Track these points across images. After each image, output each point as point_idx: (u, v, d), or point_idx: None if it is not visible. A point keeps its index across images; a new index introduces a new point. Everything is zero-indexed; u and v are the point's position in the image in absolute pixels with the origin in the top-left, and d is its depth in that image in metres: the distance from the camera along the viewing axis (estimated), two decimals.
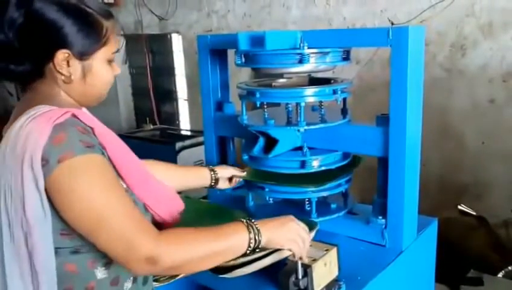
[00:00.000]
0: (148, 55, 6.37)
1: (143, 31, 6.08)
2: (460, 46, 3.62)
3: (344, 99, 1.93)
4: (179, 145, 4.63)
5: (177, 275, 1.55)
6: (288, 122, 1.95)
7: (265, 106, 1.91)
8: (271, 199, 2.10)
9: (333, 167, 1.91)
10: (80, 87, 1.25)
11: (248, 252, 1.31)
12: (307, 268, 1.44)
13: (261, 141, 1.91)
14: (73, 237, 1.15)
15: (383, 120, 1.76)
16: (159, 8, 5.77)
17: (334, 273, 1.55)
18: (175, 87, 6.42)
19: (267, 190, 1.97)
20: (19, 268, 1.13)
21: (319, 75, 2.00)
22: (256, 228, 1.32)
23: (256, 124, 1.91)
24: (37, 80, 1.22)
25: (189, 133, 5.26)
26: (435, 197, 3.65)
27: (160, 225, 1.32)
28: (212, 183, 1.85)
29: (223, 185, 1.90)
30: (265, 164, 1.93)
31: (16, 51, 1.16)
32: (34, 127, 1.09)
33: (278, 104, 2.11)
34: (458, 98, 3.68)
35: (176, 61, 6.26)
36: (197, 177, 1.85)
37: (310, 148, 1.91)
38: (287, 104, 2.00)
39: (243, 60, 1.89)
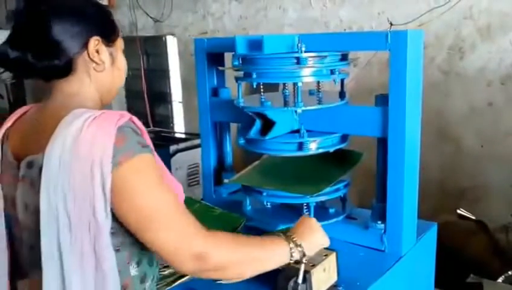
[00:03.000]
0: (143, 57, 6.35)
1: (137, 33, 6.06)
2: (458, 49, 3.61)
3: (342, 81, 1.92)
4: (173, 148, 4.60)
5: (175, 281, 1.54)
6: (285, 104, 1.94)
7: (261, 89, 1.90)
8: (269, 204, 2.08)
9: (331, 149, 1.90)
10: (109, 76, 1.31)
11: (288, 261, 1.37)
12: (306, 273, 1.43)
13: (258, 123, 1.88)
14: (118, 235, 1.18)
15: (382, 100, 1.75)
16: (154, 10, 5.75)
17: (333, 278, 1.55)
18: (169, 90, 6.39)
19: (264, 194, 1.96)
20: (80, 269, 1.13)
21: None
22: (295, 241, 1.38)
23: (252, 106, 1.89)
24: (69, 76, 1.25)
25: (183, 136, 5.22)
26: (434, 201, 3.64)
27: None
28: None
29: None
30: (261, 146, 1.92)
31: (51, 46, 1.20)
32: (98, 129, 1.11)
33: (275, 90, 2.09)
34: (456, 101, 3.67)
35: (171, 63, 6.24)
36: None
37: (307, 130, 1.90)
38: (284, 87, 2.01)
39: (240, 63, 1.89)
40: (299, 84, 1.78)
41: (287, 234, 1.40)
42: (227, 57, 2.06)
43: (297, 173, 2.01)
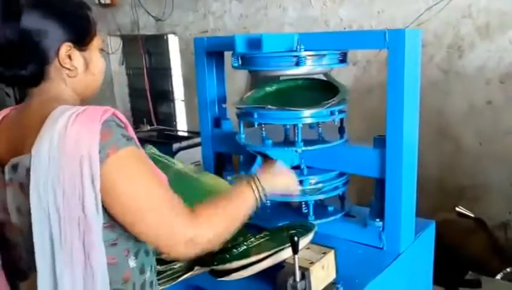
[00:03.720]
0: (145, 56, 6.36)
1: (139, 32, 6.07)
2: (457, 48, 3.62)
3: (341, 119, 1.94)
4: (175, 146, 4.62)
5: (177, 278, 1.55)
6: (286, 142, 1.97)
7: (263, 126, 1.92)
8: (268, 202, 2.09)
9: (329, 185, 1.95)
10: (83, 79, 1.28)
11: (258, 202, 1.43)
12: (304, 271, 1.44)
13: (259, 161, 1.91)
14: (114, 229, 1.19)
15: (380, 142, 1.78)
16: (156, 9, 5.76)
17: (332, 276, 1.56)
18: (172, 88, 6.41)
19: None
20: (70, 265, 1.13)
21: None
22: (260, 185, 1.45)
23: (253, 144, 1.92)
24: (42, 82, 1.24)
25: (186, 134, 5.24)
26: (433, 199, 3.65)
27: None
28: None
29: None
30: None
31: (21, 54, 1.18)
32: (82, 124, 1.10)
33: (273, 78, 2.10)
34: (455, 100, 3.68)
35: (173, 62, 6.25)
36: None
37: (307, 167, 1.95)
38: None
39: (240, 62, 1.90)
40: (300, 125, 1.81)
41: (254, 180, 1.45)
42: (227, 56, 2.08)
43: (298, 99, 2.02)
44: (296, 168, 1.97)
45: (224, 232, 1.29)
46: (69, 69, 1.23)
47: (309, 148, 1.85)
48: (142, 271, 1.28)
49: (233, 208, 1.35)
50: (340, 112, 1.86)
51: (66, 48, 1.21)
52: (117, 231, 1.19)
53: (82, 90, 1.30)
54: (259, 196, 1.43)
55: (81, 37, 1.25)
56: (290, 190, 1.60)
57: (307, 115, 1.80)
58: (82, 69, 1.27)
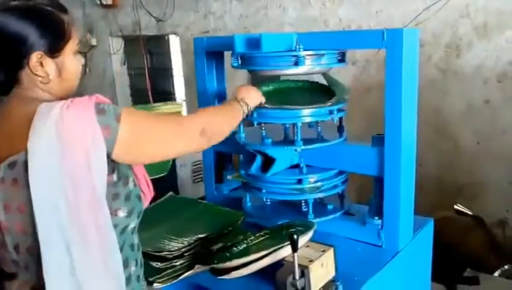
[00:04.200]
0: (146, 56, 6.37)
1: (141, 33, 6.08)
2: (455, 47, 3.63)
3: (340, 118, 1.95)
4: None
5: (179, 276, 1.57)
6: (285, 141, 1.98)
7: (262, 125, 1.93)
8: (268, 200, 2.11)
9: (329, 184, 1.96)
10: (57, 85, 1.27)
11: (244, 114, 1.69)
12: (304, 269, 1.45)
13: (259, 160, 1.93)
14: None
15: (379, 140, 1.79)
16: (157, 10, 5.77)
17: (331, 273, 1.57)
18: (173, 88, 6.42)
19: (264, 191, 1.98)
20: (86, 248, 1.16)
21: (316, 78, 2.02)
22: (245, 102, 1.70)
23: (253, 143, 1.93)
24: (15, 87, 1.24)
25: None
26: (432, 197, 3.66)
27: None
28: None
29: None
30: (262, 180, 1.97)
31: None
32: (78, 113, 1.15)
33: (273, 77, 2.11)
34: (453, 99, 3.69)
35: (174, 62, 6.26)
36: None
37: (307, 165, 1.97)
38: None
39: (239, 62, 1.91)
40: (299, 124, 1.83)
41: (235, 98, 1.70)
42: (227, 56, 2.09)
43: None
44: (296, 166, 1.98)
45: (223, 127, 1.55)
46: (40, 76, 1.23)
47: (308, 147, 1.86)
48: (125, 265, 1.28)
49: (225, 111, 1.64)
50: (339, 110, 1.88)
51: (36, 56, 1.21)
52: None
53: (59, 92, 1.29)
54: (246, 109, 1.68)
55: (52, 46, 1.24)
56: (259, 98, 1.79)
57: (306, 114, 1.81)
58: (54, 75, 1.26)
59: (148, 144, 1.28)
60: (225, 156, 2.33)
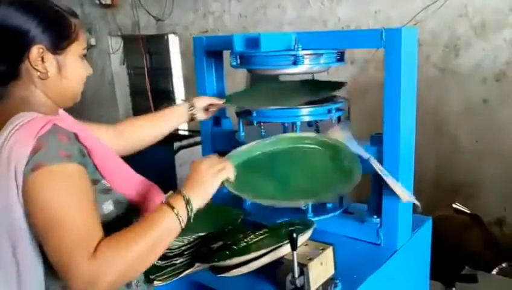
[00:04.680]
0: (146, 55, 6.38)
1: (140, 32, 6.09)
2: (453, 46, 3.64)
3: (339, 117, 1.95)
4: (176, 145, 4.64)
5: (179, 274, 1.57)
6: None
7: (262, 124, 1.93)
8: None
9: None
10: (56, 84, 1.26)
11: (183, 225, 1.28)
12: (303, 267, 1.46)
13: None
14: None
15: (377, 140, 1.79)
16: (156, 9, 5.78)
17: (330, 272, 1.57)
18: (172, 88, 6.43)
19: None
20: (5, 277, 1.15)
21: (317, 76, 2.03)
22: (186, 198, 1.30)
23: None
24: (12, 82, 1.23)
25: (186, 132, 5.26)
26: (430, 195, 3.67)
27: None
28: (189, 117, 1.90)
29: (200, 116, 1.93)
30: None
31: None
32: (17, 139, 1.10)
33: (272, 78, 2.12)
34: (452, 98, 3.70)
35: (173, 61, 6.27)
36: (175, 118, 1.89)
37: None
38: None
39: (238, 61, 1.92)
40: (298, 123, 1.83)
41: (178, 192, 1.32)
42: (226, 55, 2.10)
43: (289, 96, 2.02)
44: None
45: (135, 266, 1.17)
46: (40, 71, 1.22)
47: None
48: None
49: (147, 235, 1.19)
50: (338, 110, 1.88)
51: (38, 50, 1.20)
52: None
53: (55, 95, 1.28)
54: (185, 216, 1.28)
55: (56, 41, 1.23)
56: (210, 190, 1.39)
57: (305, 113, 1.82)
58: (54, 72, 1.24)
59: (32, 216, 1.12)
60: (224, 155, 2.33)
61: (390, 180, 1.73)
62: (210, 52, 2.20)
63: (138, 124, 1.77)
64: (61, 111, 1.38)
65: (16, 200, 1.10)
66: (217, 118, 2.26)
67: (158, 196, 1.43)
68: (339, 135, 1.84)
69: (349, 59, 3.97)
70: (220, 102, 1.93)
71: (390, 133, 1.74)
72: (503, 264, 2.90)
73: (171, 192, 1.59)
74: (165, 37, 6.17)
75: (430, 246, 2.10)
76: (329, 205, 2.02)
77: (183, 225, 1.27)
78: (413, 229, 1.93)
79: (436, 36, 3.69)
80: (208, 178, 1.38)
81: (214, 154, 1.51)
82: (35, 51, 1.20)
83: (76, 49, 1.28)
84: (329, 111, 1.85)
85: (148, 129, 1.77)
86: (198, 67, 2.23)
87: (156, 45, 6.37)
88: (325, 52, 1.84)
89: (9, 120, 1.15)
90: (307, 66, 1.83)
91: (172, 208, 1.25)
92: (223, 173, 1.42)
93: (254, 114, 1.85)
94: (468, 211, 3.29)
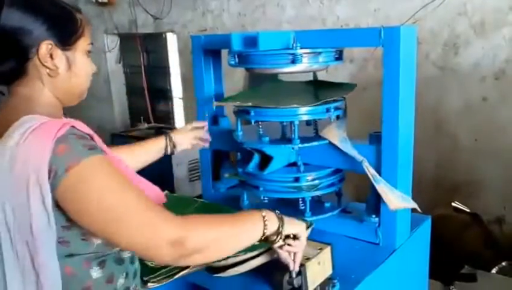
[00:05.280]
0: (143, 54, 6.38)
1: (137, 30, 6.08)
2: (453, 45, 3.64)
3: (337, 116, 1.94)
4: (169, 153, 4.64)
5: (174, 276, 1.56)
6: (283, 139, 1.97)
7: (260, 123, 1.93)
8: (266, 198, 2.11)
9: (326, 182, 1.95)
10: (65, 81, 1.24)
11: (265, 233, 1.32)
12: (300, 267, 1.45)
13: (256, 158, 1.93)
14: (69, 244, 1.16)
15: (376, 138, 1.79)
16: (154, 7, 5.77)
17: (328, 271, 1.57)
18: (170, 86, 6.43)
19: (261, 189, 1.98)
20: (23, 285, 1.13)
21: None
22: (277, 214, 1.36)
23: (250, 141, 1.93)
24: (17, 81, 1.21)
25: (185, 147, 5.25)
26: (429, 194, 3.67)
27: None
28: (170, 152, 1.91)
29: (183, 147, 1.96)
30: (259, 178, 1.97)
31: (0, 50, 1.16)
32: (33, 144, 1.07)
33: (270, 77, 2.11)
34: (451, 97, 3.70)
35: (171, 60, 6.27)
36: (155, 151, 1.88)
37: (304, 164, 1.96)
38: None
39: (237, 60, 1.91)
40: (296, 122, 1.82)
41: (276, 211, 1.38)
42: (224, 54, 2.09)
43: (290, 95, 2.03)
44: (293, 164, 1.98)
45: (218, 244, 1.21)
46: (49, 68, 1.20)
47: (305, 145, 1.86)
48: (109, 280, 1.24)
49: (231, 223, 1.26)
50: (336, 108, 1.88)
51: (46, 46, 1.18)
52: (72, 245, 1.16)
53: (64, 93, 1.26)
54: (268, 221, 1.32)
55: (64, 36, 1.21)
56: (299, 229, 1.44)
57: (303, 112, 1.81)
58: (64, 69, 1.22)
59: (88, 215, 1.10)
60: (222, 154, 2.33)
61: (381, 186, 1.73)
62: (208, 50, 2.19)
63: (121, 150, 1.75)
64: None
65: (39, 208, 1.07)
66: (215, 117, 2.25)
67: (160, 200, 1.42)
68: (334, 133, 1.83)
69: (348, 58, 3.96)
70: (202, 124, 1.98)
71: (389, 132, 1.73)
72: (503, 263, 2.90)
73: (166, 192, 1.57)
74: (163, 35, 6.17)
75: (429, 245, 2.09)
76: (327, 204, 2.01)
77: (266, 232, 1.31)
78: (412, 228, 1.92)
79: (435, 35, 3.69)
80: (301, 224, 1.45)
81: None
82: (44, 47, 1.17)
83: (83, 45, 1.26)
84: (327, 110, 1.84)
85: (131, 161, 1.72)
86: (196, 66, 2.22)
87: (153, 44, 6.36)
88: (324, 50, 1.83)
89: (16, 122, 1.11)
90: (305, 65, 1.82)
91: (263, 215, 1.32)
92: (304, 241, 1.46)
93: (252, 113, 1.84)
94: (467, 210, 3.29)
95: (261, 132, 1.92)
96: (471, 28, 3.53)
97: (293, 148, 1.88)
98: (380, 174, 1.78)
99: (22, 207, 1.07)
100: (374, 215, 1.85)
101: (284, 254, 1.44)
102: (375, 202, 1.84)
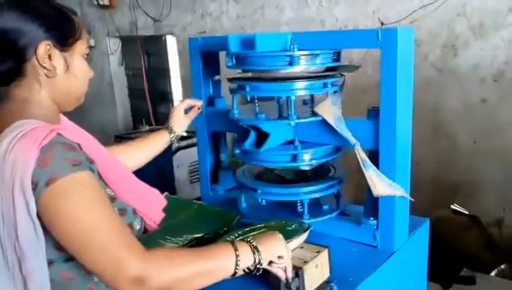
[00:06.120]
0: (144, 56, 6.38)
1: (138, 33, 6.08)
2: (451, 46, 3.63)
3: (334, 93, 1.92)
4: (174, 146, 4.63)
5: None
6: (279, 116, 1.95)
7: (256, 100, 1.91)
8: (263, 201, 2.10)
9: (323, 160, 1.93)
10: (63, 82, 1.24)
11: (237, 271, 1.29)
12: (298, 270, 1.44)
13: (252, 135, 1.91)
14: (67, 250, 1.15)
15: (374, 113, 1.77)
16: (154, 10, 5.78)
17: (326, 274, 1.56)
18: (170, 88, 6.43)
19: (259, 191, 1.97)
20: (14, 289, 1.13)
21: None
22: (252, 245, 1.33)
23: (247, 118, 1.91)
24: (15, 82, 1.21)
25: (185, 133, 5.25)
26: (428, 196, 3.66)
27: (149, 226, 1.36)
28: (174, 142, 1.94)
29: (181, 131, 1.98)
30: (256, 158, 1.94)
31: None
32: (20, 150, 1.06)
33: (270, 99, 2.10)
34: (450, 98, 3.70)
35: (171, 62, 6.27)
36: (159, 146, 1.89)
37: (301, 141, 1.92)
38: (279, 98, 2.01)
39: (234, 62, 1.90)
40: (292, 97, 1.80)
41: (244, 238, 1.37)
42: (222, 56, 2.08)
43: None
44: (290, 143, 1.97)
45: (185, 282, 1.18)
46: (47, 68, 1.20)
47: (302, 120, 1.83)
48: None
49: (201, 260, 1.22)
50: (333, 84, 1.86)
51: (45, 46, 1.18)
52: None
53: (61, 96, 1.26)
54: (247, 261, 1.30)
55: (62, 37, 1.21)
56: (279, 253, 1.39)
57: (300, 86, 1.79)
58: (62, 70, 1.23)
59: (59, 231, 1.09)
60: (219, 136, 2.31)
61: (369, 173, 1.72)
62: (206, 53, 2.18)
63: (126, 148, 1.76)
64: (64, 119, 1.36)
65: (23, 215, 1.06)
66: (211, 98, 2.24)
67: (160, 203, 1.42)
68: (329, 110, 1.80)
69: (346, 59, 3.93)
70: (198, 103, 1.99)
71: (386, 134, 1.72)
72: (502, 266, 2.90)
73: (166, 193, 1.56)
74: (163, 38, 6.18)
75: (428, 247, 2.08)
76: (325, 207, 2.00)
77: (238, 269, 1.28)
78: (411, 230, 1.91)
79: (434, 36, 3.69)
80: (280, 242, 1.40)
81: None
82: (42, 48, 1.17)
83: (80, 47, 1.27)
84: (325, 85, 1.82)
85: (133, 158, 1.74)
86: (193, 68, 2.21)
87: (153, 46, 6.37)
88: (321, 52, 1.82)
89: (8, 127, 1.11)
90: (303, 67, 1.81)
91: (236, 249, 1.28)
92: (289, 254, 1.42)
93: (247, 88, 1.83)
94: (466, 212, 3.29)
95: (257, 110, 1.90)
96: (470, 29, 3.53)
97: (289, 124, 1.85)
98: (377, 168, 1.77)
99: (8, 213, 1.07)
100: (372, 218, 1.84)
101: (273, 270, 1.42)
102: (373, 204, 1.83)
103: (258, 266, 1.34)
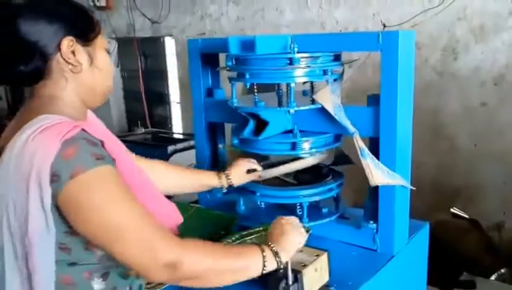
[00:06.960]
0: (140, 58, 6.36)
1: (135, 34, 6.07)
2: (452, 50, 3.63)
3: (334, 81, 1.91)
4: (171, 148, 4.62)
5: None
6: (279, 105, 1.94)
7: (255, 90, 1.90)
8: (262, 204, 2.09)
9: (323, 149, 1.92)
10: (89, 77, 1.25)
11: (264, 272, 1.32)
12: (297, 274, 1.43)
13: (251, 124, 1.89)
14: (71, 251, 1.15)
15: (374, 100, 1.76)
16: (152, 12, 5.77)
17: (325, 278, 1.55)
18: (167, 91, 6.41)
19: (258, 194, 1.96)
20: (21, 285, 1.12)
21: None
22: (273, 250, 1.34)
23: (246, 106, 1.90)
24: (41, 82, 1.21)
25: (181, 136, 5.25)
26: (428, 200, 3.65)
27: None
28: (223, 187, 1.88)
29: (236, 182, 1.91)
30: (255, 146, 1.93)
31: (21, 52, 1.16)
32: (41, 142, 1.06)
33: (269, 90, 2.09)
34: (450, 101, 3.69)
35: (169, 64, 6.26)
36: (206, 182, 1.86)
37: (301, 131, 1.91)
38: (278, 88, 2.00)
39: (234, 64, 1.89)
40: (292, 84, 1.78)
41: (265, 243, 1.37)
42: (222, 57, 2.07)
43: None
44: (289, 132, 1.95)
45: (215, 274, 1.21)
46: (72, 64, 1.20)
47: (302, 108, 1.81)
48: None
49: (231, 257, 1.26)
50: (333, 72, 1.85)
51: (68, 42, 1.19)
52: (75, 253, 1.15)
53: (87, 91, 1.27)
54: (268, 261, 1.32)
55: (83, 32, 1.23)
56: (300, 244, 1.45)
57: (300, 74, 1.78)
58: (86, 64, 1.24)
59: (87, 225, 1.10)
60: (217, 127, 2.30)
61: (367, 161, 1.71)
62: (205, 54, 2.18)
63: (170, 169, 1.77)
64: (90, 117, 1.37)
65: (36, 207, 1.06)
66: (210, 89, 2.22)
67: (174, 219, 1.42)
68: (329, 98, 1.79)
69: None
70: (259, 168, 1.93)
71: (386, 136, 1.72)
72: (502, 270, 2.89)
73: None
74: (161, 39, 6.16)
75: (428, 251, 2.07)
76: (325, 210, 1.99)
77: (265, 271, 1.31)
78: (411, 234, 1.91)
79: (434, 39, 3.68)
80: (292, 235, 1.42)
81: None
82: (65, 43, 1.18)
83: (101, 42, 1.29)
84: (324, 72, 1.81)
85: (179, 182, 1.76)
86: (192, 70, 2.20)
87: (151, 48, 6.35)
88: (322, 54, 1.81)
89: (31, 120, 1.12)
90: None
91: (263, 251, 1.31)
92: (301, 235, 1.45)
93: (247, 76, 1.81)
94: (466, 216, 3.28)
95: (256, 98, 1.89)
96: (470, 32, 3.52)
97: (289, 112, 1.84)
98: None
99: (21, 204, 1.07)
100: (371, 221, 1.84)
101: None
102: (373, 208, 1.83)
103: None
